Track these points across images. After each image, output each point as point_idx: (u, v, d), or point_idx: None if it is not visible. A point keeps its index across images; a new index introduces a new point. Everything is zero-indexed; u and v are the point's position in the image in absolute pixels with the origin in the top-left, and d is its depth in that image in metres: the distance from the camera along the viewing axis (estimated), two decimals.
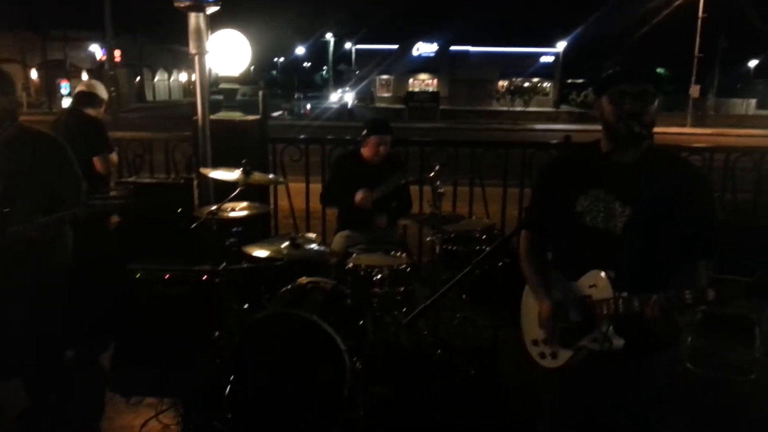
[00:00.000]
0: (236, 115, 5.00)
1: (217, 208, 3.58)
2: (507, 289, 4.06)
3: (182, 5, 3.99)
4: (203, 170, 3.80)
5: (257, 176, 3.61)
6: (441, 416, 3.42)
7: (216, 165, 4.14)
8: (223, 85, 4.96)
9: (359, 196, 4.13)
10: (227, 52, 4.75)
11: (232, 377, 3.37)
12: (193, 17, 4.09)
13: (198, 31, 4.11)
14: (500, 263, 3.79)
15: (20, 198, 2.77)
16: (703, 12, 31.27)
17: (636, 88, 2.08)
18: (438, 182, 3.66)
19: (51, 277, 3.01)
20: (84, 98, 4.40)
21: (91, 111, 4.29)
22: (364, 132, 4.21)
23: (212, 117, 4.55)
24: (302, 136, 5.55)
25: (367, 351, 3.56)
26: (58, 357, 3.34)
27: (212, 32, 4.41)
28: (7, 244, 2.70)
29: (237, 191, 3.56)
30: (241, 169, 3.57)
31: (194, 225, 3.62)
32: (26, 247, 2.74)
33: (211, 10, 4.08)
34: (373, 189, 4.16)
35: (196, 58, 4.23)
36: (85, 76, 38.30)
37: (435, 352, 3.87)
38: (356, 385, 3.24)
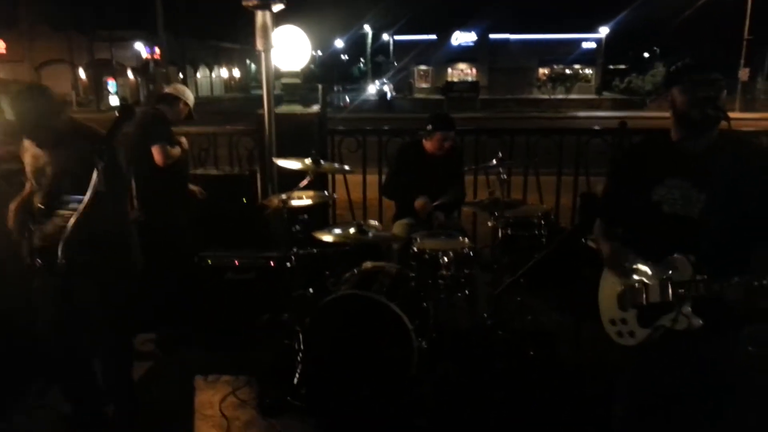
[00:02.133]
0: (297, 109, 5.18)
1: (287, 197, 3.75)
2: (564, 275, 4.17)
3: (251, 4, 4.16)
4: (275, 160, 3.97)
5: (326, 165, 3.77)
6: (504, 394, 3.53)
7: (278, 156, 4.33)
8: (284, 80, 5.14)
9: (419, 203, 4.27)
10: (288, 48, 4.91)
11: (304, 356, 3.54)
12: (260, 15, 4.27)
13: (264, 28, 4.29)
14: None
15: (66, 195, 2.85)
16: None
17: (706, 76, 2.17)
18: (501, 169, 3.77)
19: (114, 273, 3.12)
20: (161, 97, 4.63)
21: (163, 107, 4.50)
22: (429, 127, 4.32)
23: (276, 110, 4.72)
24: (366, 127, 5.68)
25: (431, 332, 3.70)
26: (129, 342, 3.57)
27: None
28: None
29: (307, 180, 3.73)
30: (310, 158, 3.73)
31: (267, 213, 3.80)
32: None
33: (278, 7, 4.25)
34: (432, 188, 4.27)
35: (263, 54, 4.40)
36: (130, 74, 39.37)
37: (495, 334, 3.99)
38: (422, 363, 3.38)
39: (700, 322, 2.15)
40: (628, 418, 2.53)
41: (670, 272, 2.20)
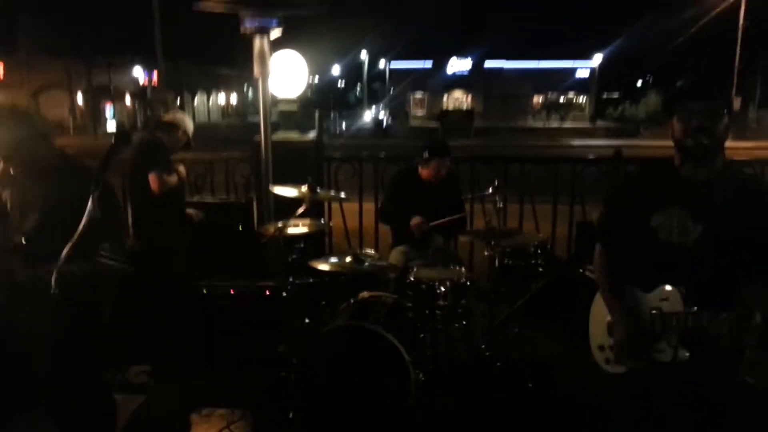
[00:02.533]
0: (293, 136, 5.19)
1: (283, 225, 3.73)
2: (562, 304, 4.15)
3: (248, 30, 4.17)
4: (272, 187, 3.96)
5: (322, 193, 3.76)
6: (502, 425, 3.48)
7: (275, 183, 4.32)
8: (281, 107, 5.15)
9: (415, 221, 4.25)
10: (286, 74, 4.92)
11: (299, 388, 3.49)
12: (257, 41, 4.28)
13: (262, 54, 4.29)
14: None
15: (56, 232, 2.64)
16: (744, 20, 30.67)
17: (704, 105, 2.16)
18: (497, 197, 3.76)
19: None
20: (161, 124, 4.63)
21: (161, 135, 4.49)
22: (426, 154, 4.32)
23: (273, 137, 4.72)
24: (362, 154, 5.70)
25: (429, 363, 3.66)
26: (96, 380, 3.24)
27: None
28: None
29: (303, 208, 3.71)
30: (307, 186, 3.72)
31: (264, 241, 3.77)
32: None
33: (276, 33, 4.26)
34: (429, 213, 4.27)
35: (260, 80, 4.41)
36: (128, 100, 39.56)
37: (493, 365, 3.94)
38: (420, 395, 3.34)
39: (687, 354, 2.14)
40: None
41: (661, 302, 2.19)
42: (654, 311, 2.21)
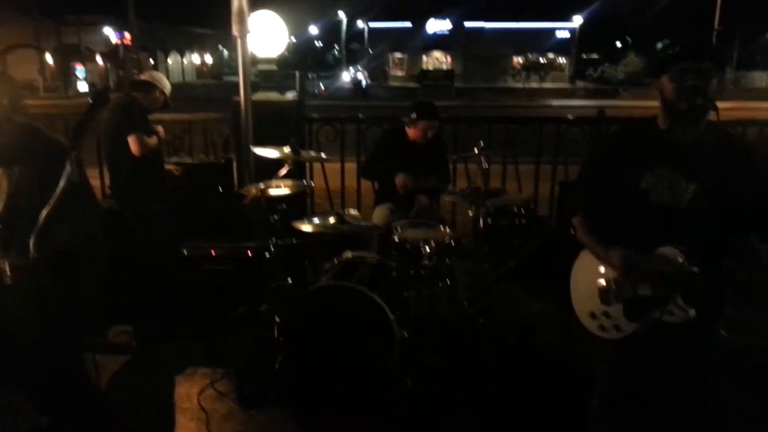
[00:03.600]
0: (274, 96, 5.09)
1: (265, 186, 3.68)
2: (544, 264, 4.19)
3: None
4: (253, 148, 3.89)
5: (305, 154, 3.71)
6: (485, 383, 3.53)
7: (255, 144, 4.25)
8: (260, 66, 5.04)
9: (400, 179, 4.22)
10: (265, 34, 4.82)
11: (284, 347, 3.49)
12: (236, 0, 4.16)
13: (241, 13, 4.20)
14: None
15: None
16: None
17: (697, 65, 2.14)
18: (483, 158, 3.74)
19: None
20: (136, 84, 4.50)
21: (139, 95, 4.37)
22: (414, 115, 4.26)
23: (252, 97, 4.64)
24: (344, 115, 5.62)
25: (413, 322, 3.68)
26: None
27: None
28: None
29: (286, 169, 3.66)
30: (289, 147, 3.67)
31: (245, 202, 3.73)
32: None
33: None
34: (414, 173, 4.24)
35: (239, 40, 4.31)
36: (99, 60, 38.51)
37: (476, 323, 3.99)
38: (404, 353, 3.36)
39: (694, 311, 2.15)
40: (608, 407, 2.53)
41: (663, 265, 2.19)
42: (657, 273, 2.20)
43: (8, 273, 2.54)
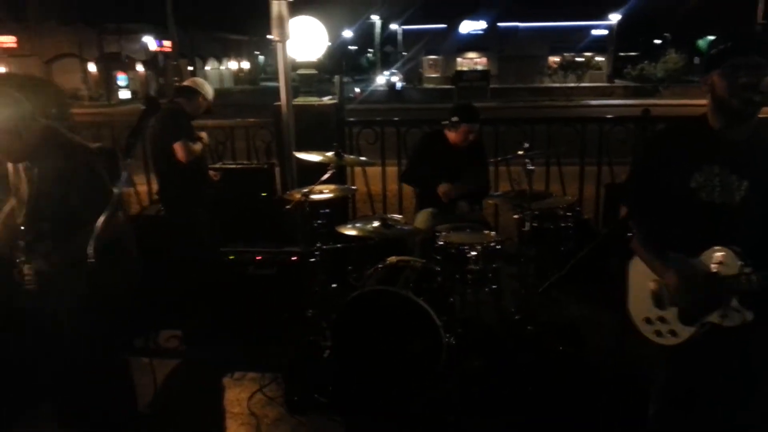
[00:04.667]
0: (313, 100, 5.11)
1: (309, 190, 3.69)
2: (591, 268, 4.09)
3: None
4: (296, 153, 3.91)
5: (348, 158, 3.71)
6: (532, 389, 3.47)
7: (297, 149, 4.28)
8: (300, 71, 5.07)
9: (442, 188, 4.20)
10: (304, 38, 4.84)
11: (331, 352, 3.50)
12: (275, 5, 4.20)
13: (280, 18, 4.22)
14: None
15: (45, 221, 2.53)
16: None
17: (749, 60, 2.07)
18: (527, 160, 3.69)
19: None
20: (180, 90, 4.58)
21: (182, 101, 4.44)
22: (455, 118, 4.22)
23: (293, 102, 4.66)
24: (378, 119, 5.63)
25: (458, 327, 3.65)
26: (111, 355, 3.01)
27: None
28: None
29: (329, 173, 3.67)
30: (333, 151, 3.67)
31: (288, 207, 3.75)
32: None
33: None
34: (455, 177, 4.21)
35: (278, 45, 4.34)
36: (140, 68, 39.40)
37: (523, 329, 3.93)
38: (450, 359, 3.33)
39: (751, 314, 2.08)
40: (667, 414, 2.46)
41: (718, 266, 2.12)
42: (711, 276, 2.14)
43: (32, 278, 2.54)
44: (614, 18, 40.48)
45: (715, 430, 2.40)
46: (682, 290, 2.17)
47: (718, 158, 2.17)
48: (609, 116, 5.64)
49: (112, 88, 36.59)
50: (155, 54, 37.58)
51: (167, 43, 34.31)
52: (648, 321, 2.35)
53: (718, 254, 2.11)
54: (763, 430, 2.34)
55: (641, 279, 2.38)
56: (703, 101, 2.25)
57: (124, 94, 36.48)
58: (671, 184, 2.26)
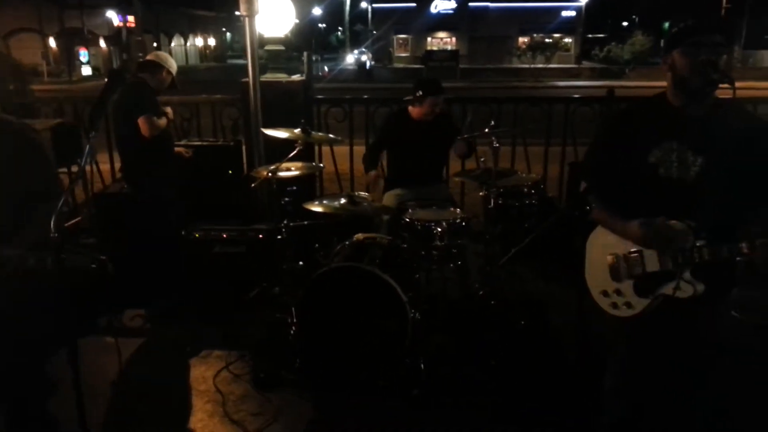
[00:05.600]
0: (281, 76, 5.06)
1: (276, 168, 3.68)
2: (555, 244, 4.18)
3: None
4: (264, 130, 3.88)
5: (316, 135, 3.69)
6: (497, 363, 3.54)
7: (264, 126, 4.24)
8: (268, 47, 5.01)
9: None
10: (272, 14, 4.78)
11: (297, 329, 3.52)
12: None
13: None
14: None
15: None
16: None
17: (709, 39, 2.12)
18: (493, 138, 3.72)
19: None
20: (143, 65, 4.48)
21: (146, 76, 4.35)
22: (419, 93, 4.23)
23: (260, 79, 4.61)
24: (347, 97, 5.59)
25: (424, 303, 3.69)
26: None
27: None
28: None
29: (296, 150, 3.65)
30: (300, 128, 3.65)
31: (254, 184, 3.72)
32: None
33: None
34: (423, 149, 4.24)
35: (246, 20, 4.28)
36: (103, 44, 38.35)
37: (487, 304, 3.99)
38: (416, 335, 3.38)
39: (703, 286, 2.15)
40: (621, 386, 2.54)
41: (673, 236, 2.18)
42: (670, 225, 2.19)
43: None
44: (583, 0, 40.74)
45: (669, 402, 2.48)
46: (647, 236, 2.21)
47: (677, 135, 2.22)
48: (575, 96, 5.69)
49: (74, 64, 35.53)
50: (119, 29, 36.55)
51: (131, 19, 33.45)
52: (605, 294, 2.41)
53: (672, 226, 2.17)
54: (715, 401, 2.43)
55: (599, 253, 2.44)
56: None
57: (86, 71, 35.52)
58: (631, 159, 2.30)
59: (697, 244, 2.12)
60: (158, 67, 4.39)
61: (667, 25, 38.83)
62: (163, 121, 4.33)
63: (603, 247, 2.42)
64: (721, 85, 2.13)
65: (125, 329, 4.07)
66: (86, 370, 2.43)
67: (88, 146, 2.26)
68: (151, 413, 3.23)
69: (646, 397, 2.50)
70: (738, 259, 2.13)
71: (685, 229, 2.14)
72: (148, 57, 4.55)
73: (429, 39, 43.77)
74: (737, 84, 2.16)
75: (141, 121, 4.13)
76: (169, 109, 4.53)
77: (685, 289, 2.16)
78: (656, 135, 2.25)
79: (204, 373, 3.54)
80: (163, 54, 4.57)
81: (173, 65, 4.48)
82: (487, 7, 42.08)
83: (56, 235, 2.01)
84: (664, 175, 2.23)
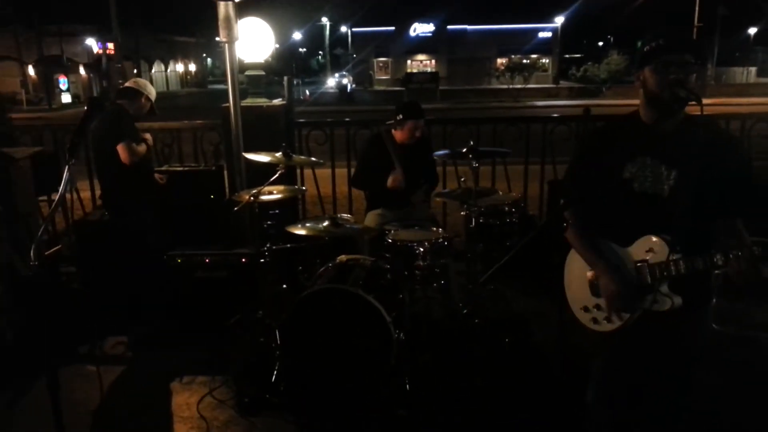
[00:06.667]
0: (262, 101, 5.10)
1: (258, 191, 3.69)
2: (536, 261, 4.21)
3: None
4: (245, 154, 3.90)
5: (297, 158, 3.72)
6: (482, 381, 3.55)
7: (246, 150, 4.26)
8: (248, 72, 5.05)
9: (392, 180, 4.23)
10: (251, 40, 4.83)
11: (282, 352, 3.50)
12: (222, 6, 4.19)
13: (228, 19, 4.21)
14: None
15: None
16: None
17: (679, 57, 2.19)
18: (472, 157, 3.77)
19: None
20: (122, 91, 4.49)
21: (125, 103, 4.36)
22: (400, 116, 4.27)
23: (241, 103, 4.64)
24: (328, 120, 5.64)
25: (408, 323, 3.70)
26: None
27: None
28: None
29: (278, 174, 3.67)
30: (281, 152, 3.68)
31: (237, 208, 3.73)
32: None
33: None
34: (403, 172, 4.26)
35: (226, 46, 4.32)
36: (82, 71, 38.23)
37: (471, 323, 4.01)
38: (401, 355, 3.38)
39: (680, 299, 2.19)
40: (603, 401, 2.56)
41: (647, 254, 2.23)
42: (639, 263, 2.25)
43: None
44: (559, 20, 41.56)
45: (651, 415, 2.51)
46: (613, 297, 2.29)
47: (650, 150, 2.27)
48: (553, 116, 5.79)
49: (53, 92, 35.35)
50: (98, 56, 36.49)
51: (111, 45, 33.41)
52: (585, 309, 2.45)
53: (648, 242, 2.22)
54: (696, 412, 2.45)
55: (579, 269, 2.48)
56: None
57: (66, 98, 35.35)
58: (607, 175, 2.35)
59: (673, 258, 2.16)
60: (137, 93, 4.40)
61: (640, 43, 39.53)
62: (142, 148, 4.33)
63: (582, 263, 2.45)
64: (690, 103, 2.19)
65: (107, 357, 4.03)
66: (67, 399, 2.44)
67: (67, 174, 2.26)
68: None
69: (628, 409, 2.52)
70: (716, 272, 2.18)
71: (662, 244, 2.18)
72: (127, 84, 4.56)
73: (409, 61, 44.31)
74: (710, 101, 2.25)
75: (120, 148, 4.13)
76: (148, 136, 4.54)
77: (663, 303, 2.20)
78: (630, 151, 2.31)
79: (187, 400, 3.50)
80: (142, 81, 4.58)
81: (152, 92, 4.50)
82: (465, 30, 42.75)
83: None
84: (638, 190, 2.28)
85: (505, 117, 6.03)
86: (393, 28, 43.33)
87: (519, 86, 35.55)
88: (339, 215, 3.86)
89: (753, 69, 41.99)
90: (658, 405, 2.47)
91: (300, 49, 59.75)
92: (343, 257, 3.80)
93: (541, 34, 42.50)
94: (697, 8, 31.67)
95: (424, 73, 39.61)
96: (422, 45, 43.81)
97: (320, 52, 60.81)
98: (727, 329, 4.03)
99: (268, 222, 3.84)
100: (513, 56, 39.64)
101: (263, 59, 4.93)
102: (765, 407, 3.36)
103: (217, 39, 4.44)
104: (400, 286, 3.74)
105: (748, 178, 2.27)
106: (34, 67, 37.34)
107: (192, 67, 56.93)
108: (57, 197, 2.28)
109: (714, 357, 3.63)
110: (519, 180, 5.71)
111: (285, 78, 5.18)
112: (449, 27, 42.70)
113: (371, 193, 4.63)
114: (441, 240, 3.78)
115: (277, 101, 5.24)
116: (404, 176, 4.24)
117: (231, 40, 4.30)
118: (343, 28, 48.39)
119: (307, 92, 36.35)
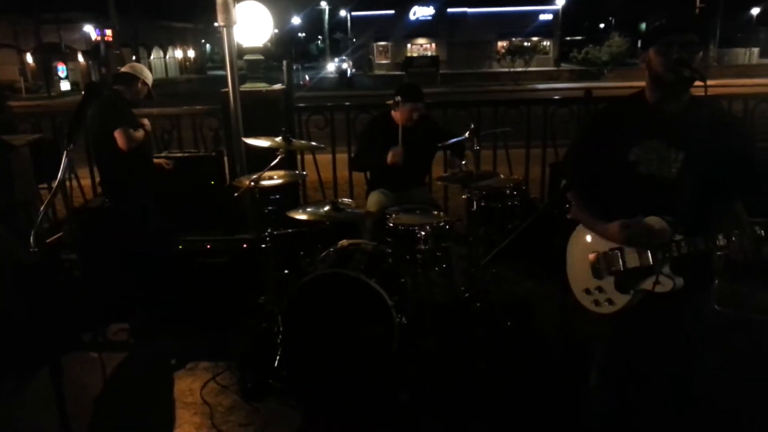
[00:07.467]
0: (261, 86, 5.06)
1: (258, 177, 3.67)
2: (538, 244, 4.21)
3: None
4: (245, 139, 3.87)
5: (297, 143, 3.69)
6: (484, 365, 3.56)
7: (245, 135, 4.23)
8: (247, 56, 5.01)
9: (391, 154, 4.19)
10: (250, 24, 4.79)
11: (284, 337, 3.50)
12: None
13: (225, 3, 4.16)
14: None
15: None
16: None
17: (683, 37, 2.16)
18: (473, 140, 3.75)
19: None
20: (118, 77, 4.46)
21: (121, 88, 4.33)
22: (398, 98, 4.24)
23: (240, 88, 4.61)
24: (328, 104, 5.60)
25: (411, 307, 3.70)
26: None
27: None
28: None
29: (278, 159, 3.65)
30: (281, 136, 3.66)
31: (237, 194, 3.71)
32: None
33: None
34: (404, 154, 4.23)
35: (224, 30, 4.28)
36: (81, 58, 38.03)
37: (473, 306, 4.01)
38: (403, 339, 3.38)
39: (682, 280, 2.18)
40: (606, 383, 2.56)
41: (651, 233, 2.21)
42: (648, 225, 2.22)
43: None
44: (560, 2, 41.18)
45: (653, 398, 2.51)
46: (629, 238, 2.24)
47: (656, 132, 2.25)
48: (554, 98, 5.76)
49: (52, 79, 35.20)
50: (97, 43, 36.29)
51: (109, 32, 33.21)
52: (587, 291, 2.44)
53: (651, 223, 2.20)
54: (698, 394, 2.45)
55: (580, 251, 2.46)
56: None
57: (65, 86, 35.20)
58: (611, 158, 2.33)
59: (675, 239, 2.14)
60: (133, 78, 4.37)
61: (643, 25, 39.34)
62: (140, 134, 4.30)
63: (584, 246, 2.44)
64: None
65: (109, 344, 4.03)
66: (70, 386, 2.45)
67: (65, 159, 2.25)
68: (138, 428, 3.20)
69: (631, 391, 2.52)
70: (718, 253, 2.17)
71: (664, 225, 2.17)
72: (123, 69, 4.52)
73: (409, 45, 44.00)
74: (714, 82, 2.21)
75: (117, 134, 4.10)
76: (146, 121, 4.51)
77: (665, 284, 2.19)
78: (636, 133, 2.28)
79: (191, 385, 3.51)
80: (138, 65, 4.54)
81: (148, 76, 4.46)
82: (465, 13, 42.39)
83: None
84: (644, 173, 2.26)
85: (505, 99, 5.98)
86: (393, 11, 42.98)
87: (520, 69, 35.35)
88: (340, 200, 3.85)
89: (756, 50, 41.63)
90: (660, 387, 2.47)
91: (299, 34, 59.46)
92: (344, 242, 3.79)
93: (542, 17, 42.11)
94: None
95: (424, 57, 39.37)
96: (422, 29, 43.46)
97: (319, 37, 60.47)
98: (728, 311, 4.03)
99: (269, 207, 3.82)
100: (513, 39, 39.30)
101: (262, 44, 4.90)
102: (765, 390, 3.36)
103: (216, 24, 4.41)
104: (402, 270, 3.74)
105: (752, 161, 2.26)
106: (32, 54, 37.13)
107: (191, 54, 56.60)
108: (56, 182, 2.27)
109: (715, 339, 3.64)
110: (520, 163, 5.69)
111: (284, 62, 5.14)
112: (449, 10, 42.33)
113: (372, 175, 4.61)
114: (442, 224, 3.76)
115: (276, 86, 5.21)
116: (403, 170, 4.20)
117: (229, 24, 4.26)
118: (343, 12, 48.06)
119: (307, 77, 36.16)
